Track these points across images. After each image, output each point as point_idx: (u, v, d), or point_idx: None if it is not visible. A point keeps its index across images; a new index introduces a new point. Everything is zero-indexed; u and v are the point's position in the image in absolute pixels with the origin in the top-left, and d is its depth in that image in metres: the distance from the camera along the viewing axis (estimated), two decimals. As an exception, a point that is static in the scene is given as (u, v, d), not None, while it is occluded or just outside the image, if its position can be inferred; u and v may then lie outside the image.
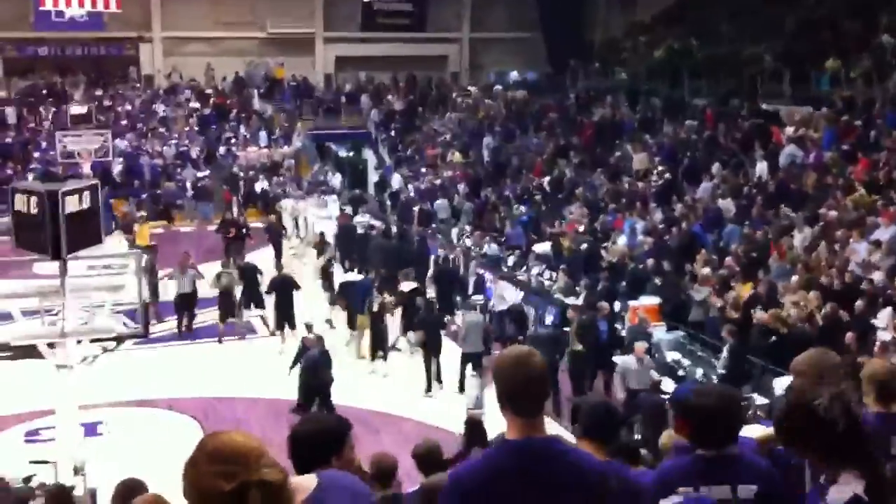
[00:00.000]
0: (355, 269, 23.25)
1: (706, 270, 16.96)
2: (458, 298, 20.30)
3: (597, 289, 17.83)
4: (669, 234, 19.77)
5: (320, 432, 3.46)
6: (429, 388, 16.25)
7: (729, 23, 29.94)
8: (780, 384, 11.67)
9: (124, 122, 35.85)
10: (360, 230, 24.40)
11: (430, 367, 16.34)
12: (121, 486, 6.65)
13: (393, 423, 14.71)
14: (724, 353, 13.85)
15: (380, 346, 17.33)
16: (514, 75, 39.71)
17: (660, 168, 24.13)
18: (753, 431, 4.45)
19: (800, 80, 25.55)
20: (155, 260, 20.85)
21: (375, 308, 17.34)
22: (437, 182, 29.52)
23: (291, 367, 15.24)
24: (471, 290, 20.37)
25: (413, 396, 16.06)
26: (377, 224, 25.19)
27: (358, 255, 23.63)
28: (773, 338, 13.84)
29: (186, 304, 19.22)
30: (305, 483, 2.83)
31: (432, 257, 22.02)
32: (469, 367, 15.34)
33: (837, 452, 2.87)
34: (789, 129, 22.66)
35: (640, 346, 13.91)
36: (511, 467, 3.17)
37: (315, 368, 14.59)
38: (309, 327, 16.25)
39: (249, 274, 19.65)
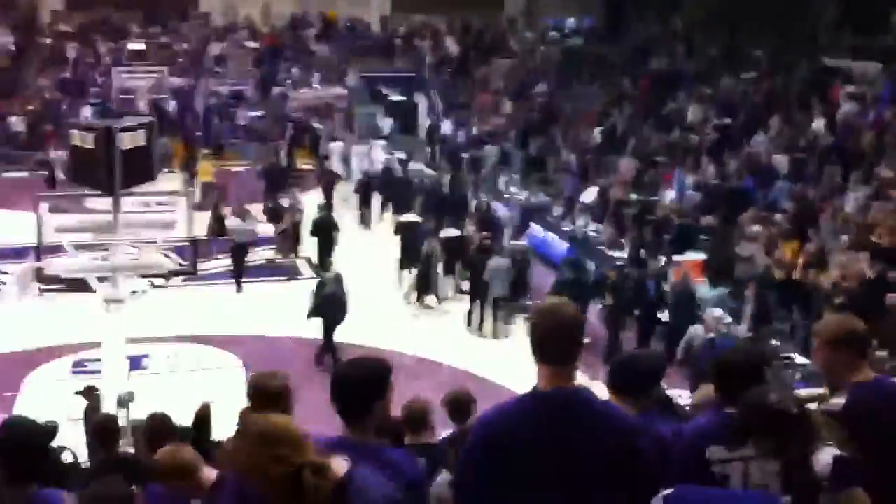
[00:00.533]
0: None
1: (755, 227, 16.78)
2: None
3: (642, 243, 17.72)
4: (720, 189, 19.54)
5: (364, 377, 3.45)
6: (469, 323, 16.73)
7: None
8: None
9: (180, 60, 36.04)
10: (413, 179, 24.31)
11: (472, 310, 16.78)
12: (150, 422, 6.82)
13: (432, 369, 14.86)
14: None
15: (427, 290, 17.54)
16: (570, 22, 39.14)
17: (714, 121, 23.73)
18: None
19: (863, 32, 24.90)
20: (217, 196, 21.36)
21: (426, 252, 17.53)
22: (488, 129, 29.33)
23: (312, 308, 15.26)
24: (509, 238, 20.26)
25: (455, 342, 16.21)
26: (429, 172, 25.08)
27: (402, 201, 23.63)
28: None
29: (243, 253, 19.31)
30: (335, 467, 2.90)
31: (474, 203, 21.98)
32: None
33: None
34: (849, 86, 22.17)
35: (711, 315, 13.31)
36: (538, 415, 3.22)
37: (332, 306, 14.80)
38: (327, 265, 16.44)
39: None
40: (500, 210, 21.12)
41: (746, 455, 3.65)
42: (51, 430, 4.12)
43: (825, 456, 3.46)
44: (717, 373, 3.97)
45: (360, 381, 3.42)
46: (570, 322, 3.31)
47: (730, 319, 14.58)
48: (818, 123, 20.88)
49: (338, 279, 15.27)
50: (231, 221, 19.58)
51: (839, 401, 3.85)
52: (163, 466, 4.37)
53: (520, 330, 15.89)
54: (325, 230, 19.05)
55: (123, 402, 10.58)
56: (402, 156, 26.31)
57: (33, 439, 3.95)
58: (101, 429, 7.41)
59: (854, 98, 21.23)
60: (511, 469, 3.19)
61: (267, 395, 4.31)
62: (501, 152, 26.90)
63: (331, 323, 14.94)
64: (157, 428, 6.72)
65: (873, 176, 17.27)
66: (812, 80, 23.42)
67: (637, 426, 3.46)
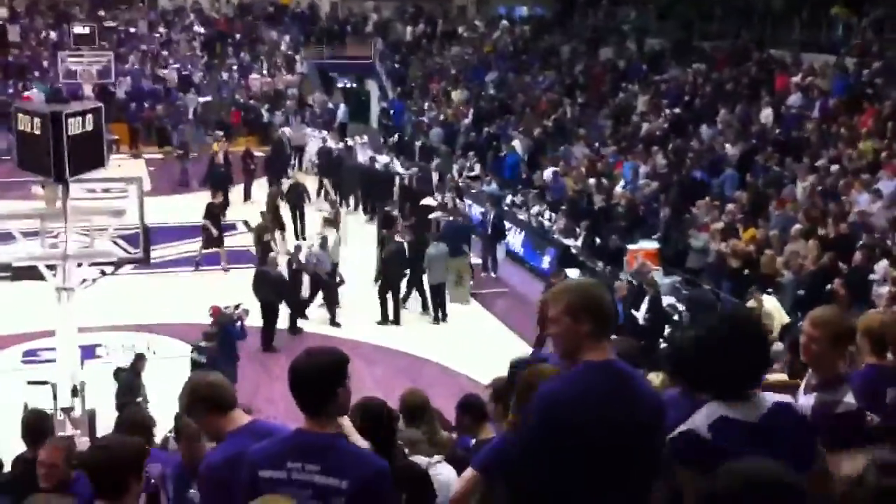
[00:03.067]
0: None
1: (708, 217, 17.00)
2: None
3: (595, 232, 17.87)
4: (671, 178, 19.74)
5: (323, 366, 3.44)
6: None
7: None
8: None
9: (127, 45, 35.51)
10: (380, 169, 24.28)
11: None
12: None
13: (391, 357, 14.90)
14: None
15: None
16: (521, 10, 39.23)
17: (665, 111, 23.95)
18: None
19: (810, 26, 25.30)
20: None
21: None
22: (441, 117, 29.34)
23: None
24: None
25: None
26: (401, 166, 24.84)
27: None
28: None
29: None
30: None
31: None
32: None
33: None
34: (796, 77, 22.48)
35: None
36: (600, 385, 3.26)
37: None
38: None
39: None
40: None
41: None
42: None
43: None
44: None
45: (318, 371, 3.41)
46: (610, 301, 3.46)
47: (683, 307, 14.80)
48: (766, 114, 21.18)
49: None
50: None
51: (850, 400, 3.95)
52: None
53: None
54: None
55: (76, 391, 10.42)
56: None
57: None
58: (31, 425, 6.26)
59: (801, 89, 21.55)
60: (576, 440, 3.20)
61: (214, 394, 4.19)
62: (446, 136, 26.96)
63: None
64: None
65: (819, 167, 17.56)
66: (760, 72, 23.72)
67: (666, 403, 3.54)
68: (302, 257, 16.75)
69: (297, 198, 21.61)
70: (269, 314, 15.33)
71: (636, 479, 3.26)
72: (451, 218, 19.22)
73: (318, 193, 23.52)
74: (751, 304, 12.81)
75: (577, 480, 3.22)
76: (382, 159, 24.95)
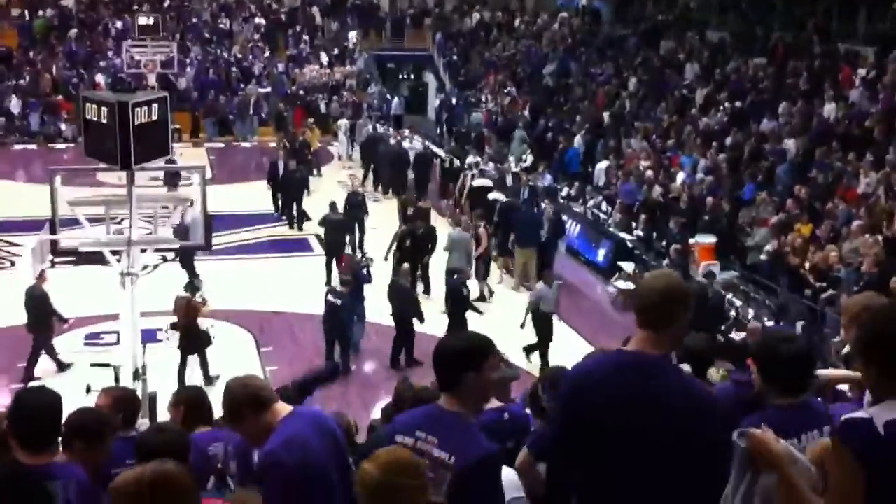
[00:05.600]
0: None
1: (766, 211, 16.83)
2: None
3: (654, 226, 17.77)
4: (731, 172, 19.54)
5: (456, 349, 3.70)
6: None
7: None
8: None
9: (190, 35, 36.01)
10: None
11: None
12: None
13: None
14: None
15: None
16: (580, 1, 38.96)
17: (725, 105, 23.68)
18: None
19: (875, 18, 24.84)
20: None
21: None
22: (499, 109, 29.34)
23: None
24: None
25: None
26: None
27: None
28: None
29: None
30: None
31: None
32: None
33: None
34: (861, 71, 22.10)
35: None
36: (624, 373, 3.41)
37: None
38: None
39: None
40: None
41: None
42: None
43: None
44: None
45: (450, 353, 3.69)
46: (674, 290, 3.50)
47: (740, 302, 14.68)
48: (829, 108, 20.86)
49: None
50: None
51: None
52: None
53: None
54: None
55: (138, 375, 10.65)
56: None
57: (47, 411, 3.97)
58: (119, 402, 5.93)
59: (865, 83, 21.18)
60: (600, 422, 3.36)
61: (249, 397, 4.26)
62: (511, 132, 26.93)
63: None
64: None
65: (884, 163, 17.26)
66: (823, 65, 23.34)
67: (714, 402, 3.58)
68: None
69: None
70: (401, 326, 14.81)
71: (674, 467, 3.31)
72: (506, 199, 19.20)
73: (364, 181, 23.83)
74: None
75: (600, 465, 3.39)
76: (420, 144, 25.44)
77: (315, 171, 24.77)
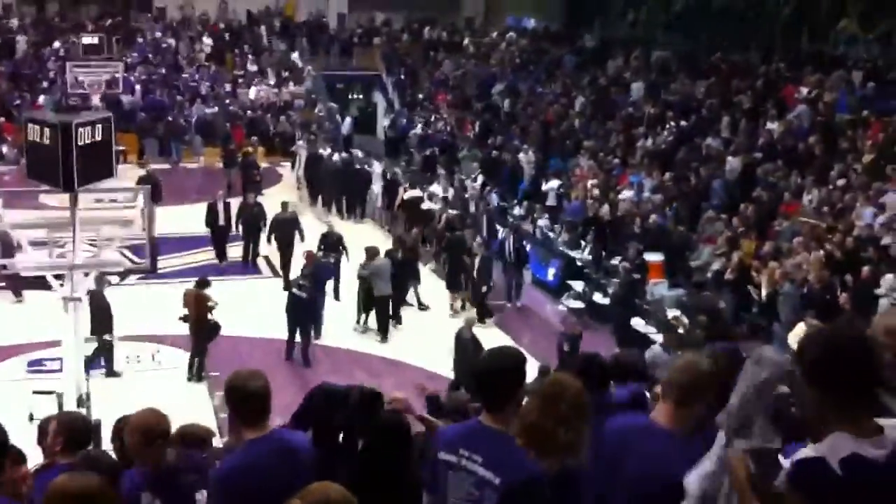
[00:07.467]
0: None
1: (712, 229, 17.02)
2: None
3: (601, 245, 17.88)
4: (677, 191, 19.75)
5: (505, 366, 3.68)
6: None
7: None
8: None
9: (136, 55, 35.64)
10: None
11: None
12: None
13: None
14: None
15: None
16: (529, 22, 39.28)
17: (671, 124, 23.97)
18: None
19: (817, 39, 25.37)
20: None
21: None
22: (447, 128, 29.40)
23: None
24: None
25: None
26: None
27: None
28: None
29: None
30: None
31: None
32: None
33: None
34: (803, 90, 22.52)
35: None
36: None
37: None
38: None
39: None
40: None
41: None
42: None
43: None
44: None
45: (500, 370, 3.66)
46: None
47: (687, 320, 14.77)
48: (772, 127, 21.20)
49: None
50: None
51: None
52: None
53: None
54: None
55: (82, 402, 10.45)
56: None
57: None
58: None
59: (806, 102, 21.58)
60: None
61: (246, 395, 4.23)
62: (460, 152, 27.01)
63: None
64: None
65: (827, 180, 17.58)
66: (766, 85, 23.77)
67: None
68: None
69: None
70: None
71: None
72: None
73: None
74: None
75: None
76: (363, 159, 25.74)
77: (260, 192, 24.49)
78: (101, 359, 14.30)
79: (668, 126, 23.82)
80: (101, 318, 14.31)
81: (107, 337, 14.36)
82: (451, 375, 13.93)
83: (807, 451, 2.76)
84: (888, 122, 19.22)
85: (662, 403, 3.60)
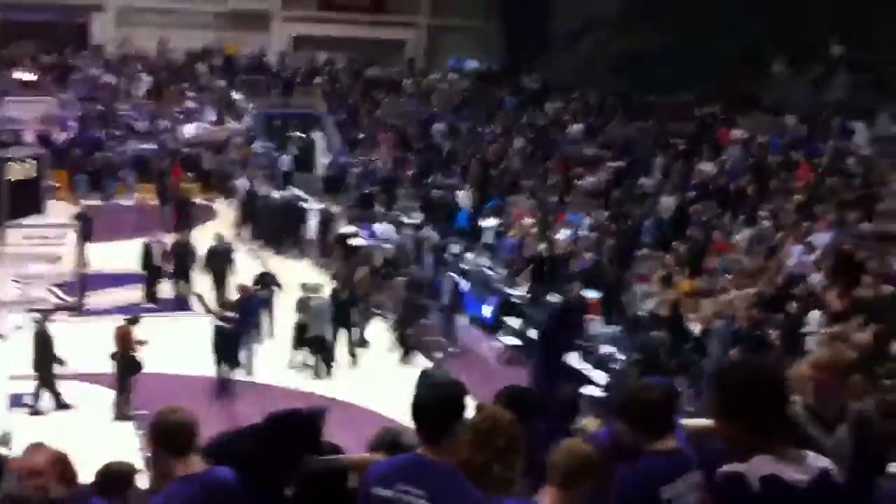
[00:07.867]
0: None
1: (645, 267, 17.21)
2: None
3: (539, 282, 17.95)
4: (614, 229, 19.95)
5: (443, 397, 3.55)
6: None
7: (683, 21, 30.17)
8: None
9: (72, 91, 35.19)
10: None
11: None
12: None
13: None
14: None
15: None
16: (470, 63, 39.61)
17: (608, 164, 24.28)
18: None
19: (751, 82, 25.97)
20: None
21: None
22: (387, 166, 29.42)
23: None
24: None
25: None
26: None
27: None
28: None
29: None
30: None
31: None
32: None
33: None
34: (736, 132, 23.02)
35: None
36: None
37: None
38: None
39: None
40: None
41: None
42: None
43: None
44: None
45: (438, 401, 3.52)
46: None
47: (623, 357, 14.89)
48: (705, 167, 21.60)
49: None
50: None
51: None
52: None
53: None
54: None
55: (4, 440, 10.15)
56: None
57: None
58: None
59: (739, 143, 22.06)
60: None
61: (170, 431, 4.07)
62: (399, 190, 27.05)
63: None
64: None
65: (757, 220, 17.91)
66: (701, 125, 24.26)
67: None
68: None
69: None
70: None
71: None
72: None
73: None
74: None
75: None
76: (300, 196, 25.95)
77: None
78: (37, 395, 14.12)
79: (604, 166, 24.12)
80: (44, 353, 14.18)
81: (53, 371, 14.21)
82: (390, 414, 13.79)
83: (731, 466, 2.95)
84: (817, 164, 19.70)
85: (548, 487, 3.51)
